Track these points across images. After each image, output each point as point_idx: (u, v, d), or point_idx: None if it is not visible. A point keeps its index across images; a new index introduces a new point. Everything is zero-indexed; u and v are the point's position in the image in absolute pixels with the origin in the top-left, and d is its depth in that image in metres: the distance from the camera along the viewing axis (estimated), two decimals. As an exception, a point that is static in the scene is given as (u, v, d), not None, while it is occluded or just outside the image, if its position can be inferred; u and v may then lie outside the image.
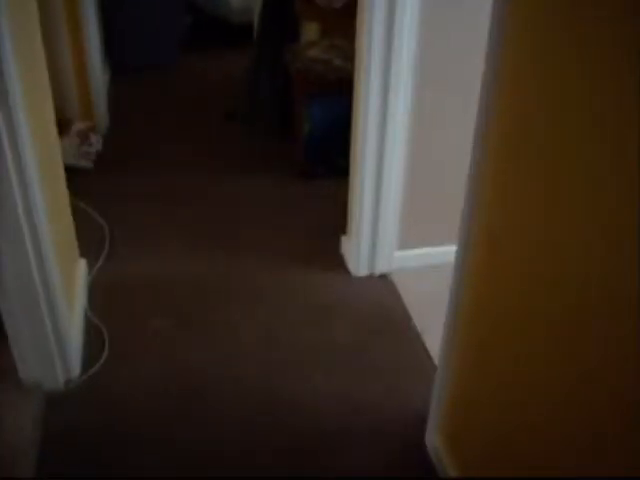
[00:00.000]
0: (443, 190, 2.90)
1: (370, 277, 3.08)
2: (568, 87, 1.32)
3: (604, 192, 1.22)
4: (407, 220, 3.00)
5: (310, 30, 4.09)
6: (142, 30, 5.07)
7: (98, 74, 4.21)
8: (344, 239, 3.19)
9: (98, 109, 4.25)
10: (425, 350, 2.68)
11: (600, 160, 1.23)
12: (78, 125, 3.91)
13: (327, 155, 3.75)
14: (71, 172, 3.02)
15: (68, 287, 2.54)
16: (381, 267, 3.08)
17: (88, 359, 2.55)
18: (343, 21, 3.34)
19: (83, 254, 2.95)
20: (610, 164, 1.20)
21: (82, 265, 2.91)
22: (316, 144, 3.77)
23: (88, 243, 3.06)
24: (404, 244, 3.07)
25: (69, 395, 2.42)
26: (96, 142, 3.88)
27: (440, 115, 2.79)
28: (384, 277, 3.08)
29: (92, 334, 2.68)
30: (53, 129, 2.60)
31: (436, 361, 2.26)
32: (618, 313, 1.23)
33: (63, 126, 3.57)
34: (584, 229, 1.31)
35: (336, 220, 3.23)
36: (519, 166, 1.56)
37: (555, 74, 1.36)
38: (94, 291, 2.90)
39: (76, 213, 2.91)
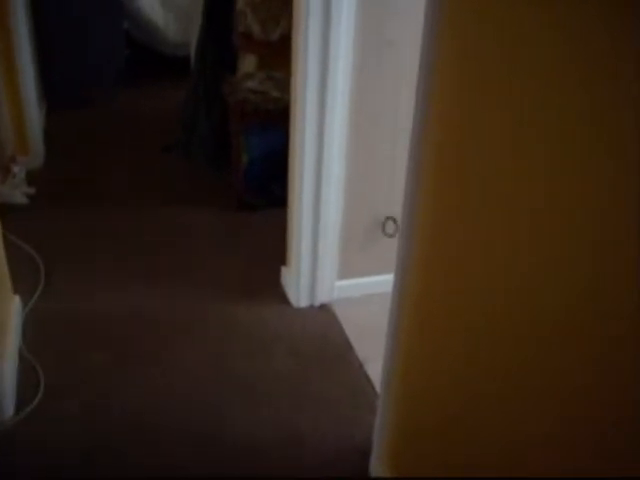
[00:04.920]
0: (382, 218, 2.92)
1: (311, 307, 3.07)
2: (496, 107, 1.35)
3: (561, 206, 1.23)
4: (347, 250, 3.01)
5: (247, 62, 4.11)
6: (79, 63, 5.01)
7: (33, 109, 4.14)
8: (284, 270, 3.19)
9: (34, 144, 4.18)
10: (368, 379, 2.68)
11: (536, 181, 1.26)
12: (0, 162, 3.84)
13: (266, 186, 3.75)
14: (5, 208, 2.95)
15: (1, 325, 2.47)
16: (322, 297, 3.07)
17: (22, 398, 2.48)
18: (280, 53, 3.36)
19: (17, 291, 2.88)
20: (553, 177, 1.23)
21: (16, 302, 2.84)
22: (255, 175, 3.77)
23: (23, 279, 2.98)
24: (344, 274, 3.07)
25: (2, 436, 2.34)
26: (19, 172, 3.80)
27: (376, 144, 2.82)
28: (325, 307, 3.07)
29: (27, 372, 2.60)
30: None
31: (379, 390, 2.26)
32: (554, 341, 1.25)
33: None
34: (523, 255, 1.33)
35: (276, 251, 3.21)
36: (453, 194, 1.58)
37: (484, 96, 1.39)
38: (29, 328, 2.83)
39: (10, 249, 2.85)
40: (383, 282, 2.66)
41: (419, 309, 1.85)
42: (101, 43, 5.09)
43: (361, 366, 2.75)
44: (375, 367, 2.60)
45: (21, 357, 2.66)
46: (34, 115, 4.17)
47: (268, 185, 3.74)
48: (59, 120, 4.77)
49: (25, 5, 4.06)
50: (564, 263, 1.20)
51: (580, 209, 1.14)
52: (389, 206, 2.89)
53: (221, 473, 2.27)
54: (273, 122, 3.54)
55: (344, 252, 3.01)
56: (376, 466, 2.22)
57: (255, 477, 2.25)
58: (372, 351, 2.71)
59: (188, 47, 5.05)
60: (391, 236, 2.92)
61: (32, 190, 3.86)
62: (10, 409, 2.41)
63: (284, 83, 3.44)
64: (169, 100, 5.06)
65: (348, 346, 2.85)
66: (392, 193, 2.81)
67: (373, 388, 2.62)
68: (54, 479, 2.22)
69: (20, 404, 2.46)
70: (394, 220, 2.91)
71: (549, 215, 1.23)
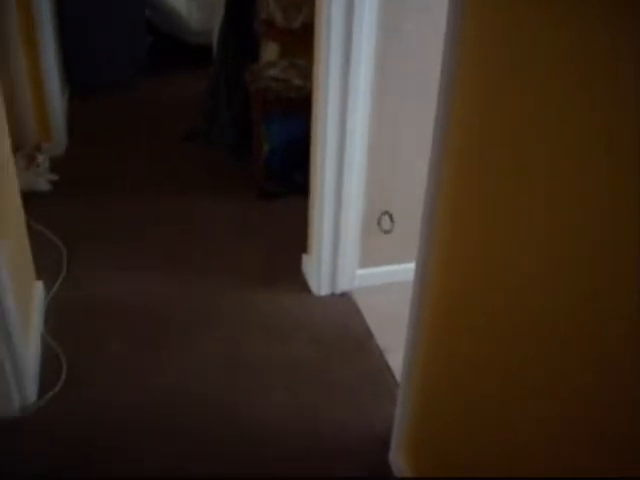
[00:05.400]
0: (403, 207, 2.91)
1: (332, 295, 3.08)
2: (519, 96, 1.34)
3: (563, 207, 1.23)
4: (368, 238, 3.00)
5: (270, 50, 4.10)
6: (102, 51, 5.03)
7: (56, 96, 4.18)
8: (305, 258, 3.19)
9: (56, 131, 4.22)
10: (388, 368, 2.68)
11: (556, 176, 1.25)
12: (25, 149, 3.86)
13: (287, 174, 3.75)
14: (28, 195, 2.97)
15: (24, 310, 2.50)
16: (342, 285, 3.07)
17: (45, 384, 2.51)
18: (302, 41, 3.35)
19: (40, 276, 2.90)
20: (572, 180, 1.21)
21: (39, 287, 2.87)
22: (276, 163, 3.77)
23: (45, 265, 3.01)
24: (365, 262, 3.07)
25: (25, 421, 2.38)
26: (43, 161, 3.83)
27: (399, 133, 2.81)
28: (346, 295, 3.07)
29: (49, 358, 2.63)
30: (6, 148, 2.55)
31: (399, 379, 2.26)
32: (578, 329, 1.24)
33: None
34: (543, 245, 1.32)
35: (298, 239, 3.22)
36: (476, 183, 1.56)
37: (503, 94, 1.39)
38: (51, 314, 2.86)
39: (33, 236, 2.88)
40: (404, 271, 2.66)
41: (440, 300, 1.84)
42: (123, 31, 5.10)
43: (382, 355, 2.75)
44: (396, 356, 2.59)
45: (43, 343, 2.69)
46: (57, 103, 4.20)
47: (289, 173, 3.74)
48: (81, 107, 4.81)
49: (48, -6, 4.09)
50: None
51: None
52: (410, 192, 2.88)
53: (238, 457, 2.28)
54: (294, 110, 3.54)
55: (365, 240, 3.01)
56: (396, 455, 2.22)
57: (256, 478, 2.25)
58: (393, 340, 2.71)
59: (210, 35, 5.04)
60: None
61: (55, 177, 3.89)
62: (33, 395, 2.44)
63: (306, 71, 3.43)
64: (191, 88, 5.08)
65: (369, 334, 2.85)
66: (412, 180, 2.80)
67: (393, 377, 2.61)
68: (72, 463, 2.24)
69: (43, 389, 2.48)
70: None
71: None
